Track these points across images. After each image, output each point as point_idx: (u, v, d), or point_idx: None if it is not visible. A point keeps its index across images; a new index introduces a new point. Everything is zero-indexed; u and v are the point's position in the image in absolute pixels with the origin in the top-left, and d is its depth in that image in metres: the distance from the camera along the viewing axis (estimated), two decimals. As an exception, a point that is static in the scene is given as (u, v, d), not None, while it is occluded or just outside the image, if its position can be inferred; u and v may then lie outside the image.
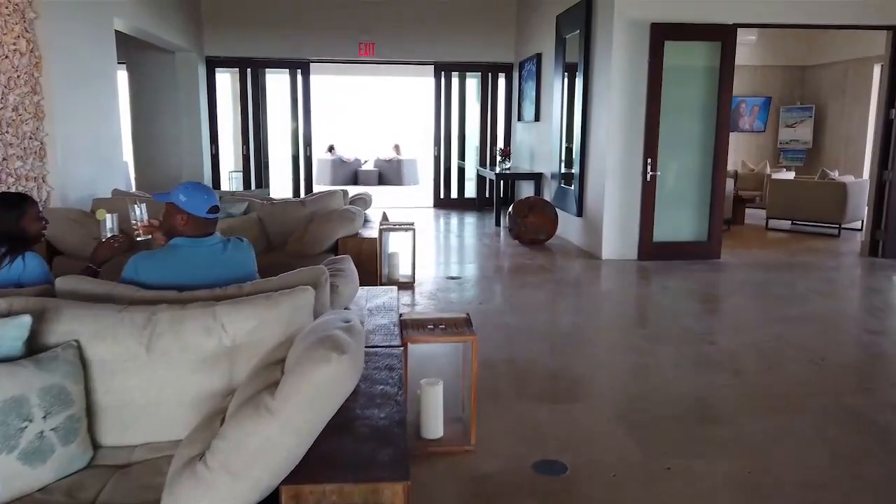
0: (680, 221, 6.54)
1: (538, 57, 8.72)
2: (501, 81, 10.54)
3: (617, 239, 6.43)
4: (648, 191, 6.31)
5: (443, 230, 8.55)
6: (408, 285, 5.29)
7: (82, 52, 5.75)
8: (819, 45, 10.90)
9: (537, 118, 8.86)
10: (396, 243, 6.07)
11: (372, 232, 4.87)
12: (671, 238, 6.48)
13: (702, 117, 6.42)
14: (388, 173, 15.36)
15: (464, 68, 10.45)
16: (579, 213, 7.03)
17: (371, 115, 16.73)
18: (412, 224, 5.48)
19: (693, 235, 6.55)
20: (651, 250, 6.40)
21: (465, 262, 6.39)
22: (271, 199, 5.24)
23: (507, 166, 9.35)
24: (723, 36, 6.21)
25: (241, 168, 10.45)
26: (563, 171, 7.75)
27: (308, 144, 10.33)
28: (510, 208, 7.28)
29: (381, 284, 5.20)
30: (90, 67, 5.90)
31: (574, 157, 7.23)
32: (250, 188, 10.35)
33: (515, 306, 4.73)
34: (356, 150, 15.83)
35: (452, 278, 5.58)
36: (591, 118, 6.77)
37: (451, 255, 6.76)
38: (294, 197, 10.26)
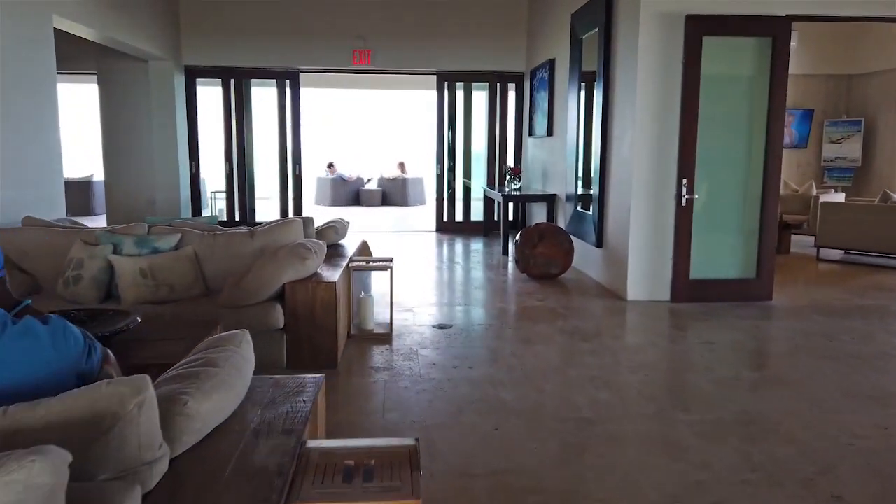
0: (722, 255, 5.40)
1: (551, 63, 7.68)
2: (511, 93, 9.51)
3: (645, 276, 5.31)
4: (684, 217, 5.19)
5: (442, 260, 7.48)
6: (383, 338, 4.21)
7: (11, 56, 4.82)
8: (866, 52, 9.73)
9: (550, 132, 7.80)
10: (379, 281, 5.04)
11: (333, 273, 3.81)
12: (711, 275, 5.35)
13: (747, 130, 5.31)
14: (393, 193, 14.36)
15: (469, 78, 9.45)
16: (599, 243, 5.92)
17: (374, 131, 15.80)
18: (390, 260, 4.42)
19: (738, 271, 5.41)
20: (687, 290, 5.26)
21: (462, 302, 5.30)
22: (217, 228, 4.22)
23: (517, 187, 8.28)
24: (774, 31, 5.11)
25: (224, 188, 9.49)
26: (579, 192, 6.66)
27: (297, 162, 9.36)
28: (517, 237, 6.19)
29: (349, 336, 4.14)
30: (22, 74, 4.98)
31: (592, 176, 6.14)
32: (234, 211, 9.40)
33: (516, 372, 3.63)
34: (358, 168, 14.86)
35: (441, 327, 4.49)
36: (613, 132, 5.69)
37: (446, 293, 5.68)
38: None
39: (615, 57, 5.65)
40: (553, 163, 7.75)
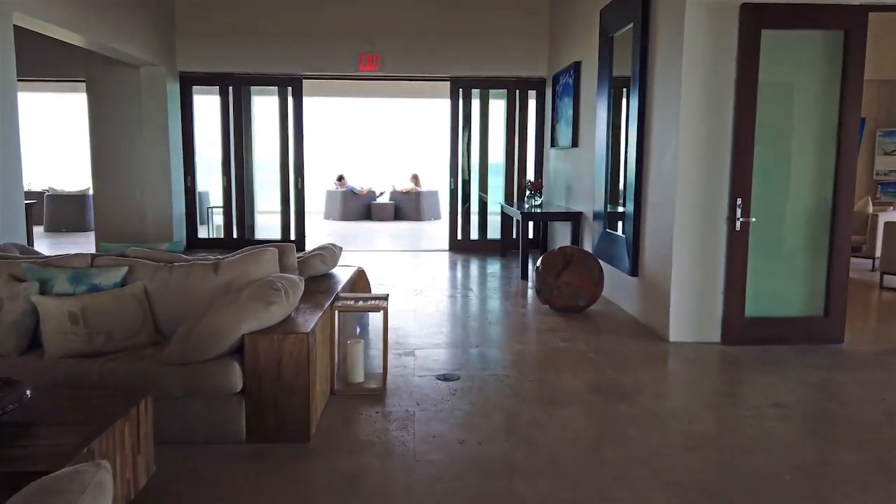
0: (783, 288, 4.56)
1: (576, 66, 6.90)
2: (532, 101, 8.74)
3: (691, 312, 4.48)
4: (738, 244, 4.37)
5: (454, 286, 6.70)
6: (374, 395, 3.44)
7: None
8: (925, 55, 8.81)
9: (575, 143, 7.01)
10: (378, 315, 4.31)
11: (308, 319, 3.05)
12: (771, 312, 4.51)
13: (813, 141, 4.48)
14: (406, 207, 13.64)
15: (486, 84, 8.70)
16: (634, 271, 5.10)
17: (386, 143, 15.13)
18: (384, 298, 3.66)
19: (803, 308, 4.55)
20: (742, 330, 4.42)
21: (473, 343, 4.51)
22: (178, 258, 3.49)
23: (538, 203, 7.49)
24: (847, 22, 4.29)
25: (222, 203, 8.83)
26: (609, 210, 5.86)
27: (300, 175, 8.67)
28: (538, 262, 5.40)
29: (333, 393, 3.38)
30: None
31: (626, 193, 5.33)
32: (232, 227, 8.72)
33: (537, 452, 2.83)
34: (370, 182, 14.18)
35: (446, 379, 3.71)
36: (651, 143, 4.88)
37: (456, 331, 4.89)
38: (281, 241, 8.61)
39: (653, 57, 4.86)
40: (578, 177, 6.96)
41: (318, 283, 3.89)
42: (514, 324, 5.08)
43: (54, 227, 10.87)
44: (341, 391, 3.43)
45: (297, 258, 3.93)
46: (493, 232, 9.14)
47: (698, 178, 4.40)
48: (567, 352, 4.28)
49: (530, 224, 8.38)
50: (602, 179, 5.89)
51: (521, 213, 6.84)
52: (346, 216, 13.36)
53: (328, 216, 13.59)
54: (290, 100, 8.54)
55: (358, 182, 13.89)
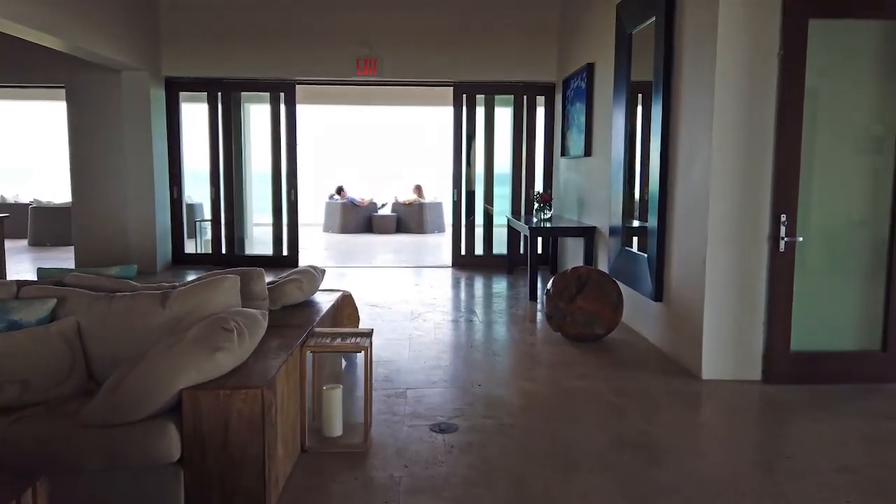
0: (835, 318, 3.96)
1: (589, 69, 6.34)
2: (540, 108, 8.19)
3: (727, 345, 3.88)
4: (782, 267, 3.77)
5: (457, 308, 6.11)
6: (353, 453, 2.85)
7: None
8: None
9: (588, 152, 6.44)
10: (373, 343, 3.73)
11: (267, 367, 2.47)
12: (820, 345, 3.90)
13: (869, 150, 3.89)
14: (409, 219, 13.08)
15: (491, 89, 8.15)
16: (658, 296, 4.50)
17: (388, 153, 14.62)
18: (367, 334, 3.07)
19: (857, 341, 3.95)
20: (787, 366, 3.82)
21: (474, 381, 3.92)
22: (125, 286, 2.93)
23: (547, 216, 6.91)
24: (908, 11, 3.71)
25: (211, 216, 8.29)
26: (627, 225, 5.27)
27: (293, 186, 8.13)
28: (549, 285, 4.81)
29: (304, 451, 2.80)
30: None
31: (647, 207, 4.75)
32: (220, 242, 8.18)
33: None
34: (371, 192, 13.65)
35: (441, 430, 3.12)
36: (679, 150, 4.30)
37: (455, 365, 4.30)
38: (273, 256, 8.06)
39: (680, 53, 4.29)
40: (591, 189, 6.38)
41: (293, 314, 3.32)
42: (522, 355, 4.48)
43: (39, 242, 10.37)
44: (314, 448, 2.84)
45: (270, 284, 3.37)
46: (500, 247, 8.57)
47: (734, 190, 3.81)
48: (584, 393, 3.68)
49: (539, 239, 7.81)
50: (619, 191, 5.31)
51: (529, 227, 6.26)
52: (346, 229, 12.82)
53: (327, 228, 13.05)
54: (283, 106, 8.02)
55: (358, 193, 13.37)
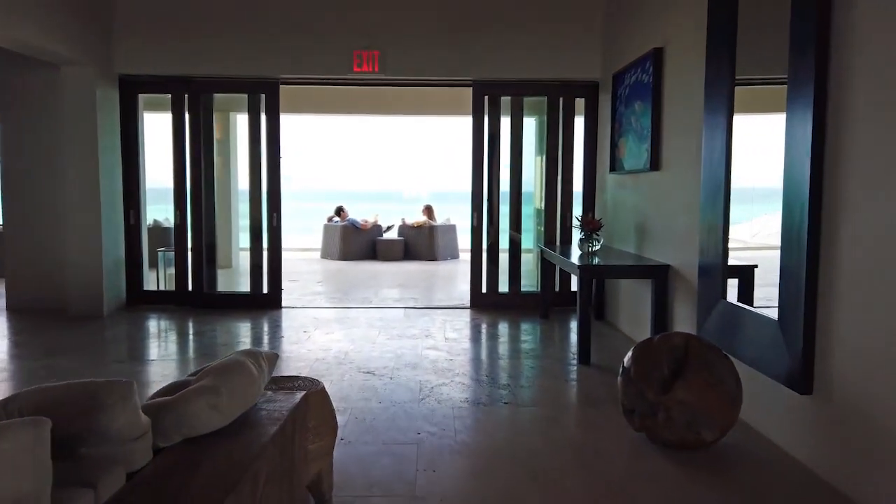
0: None
1: (656, 56, 4.81)
2: (577, 118, 6.67)
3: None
4: None
5: (480, 378, 4.51)
6: None
7: None
8: None
9: (654, 165, 4.87)
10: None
11: None
12: None
13: None
14: (418, 244, 11.55)
15: (518, 90, 6.63)
16: (806, 385, 2.89)
17: (395, 169, 13.12)
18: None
19: None
20: None
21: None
22: None
23: (596, 248, 5.35)
24: None
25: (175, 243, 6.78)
26: (731, 264, 3.68)
27: (275, 208, 6.61)
28: (627, 361, 3.21)
29: None
30: None
31: (784, 243, 3.14)
32: (186, 278, 6.66)
33: None
34: (376, 213, 12.14)
35: None
36: (850, 163, 2.72)
37: (485, 495, 2.71)
38: (251, 294, 6.54)
39: (850, 19, 2.73)
40: (661, 213, 4.81)
41: (194, 463, 1.75)
42: (594, 482, 2.86)
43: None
44: None
45: (154, 405, 1.80)
46: (529, 280, 7.01)
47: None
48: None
49: (593, 283, 6.17)
50: (718, 218, 3.73)
51: (579, 266, 4.66)
52: (347, 255, 11.29)
53: (326, 254, 11.53)
54: (264, 110, 6.53)
55: (360, 214, 11.86)
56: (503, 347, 5.25)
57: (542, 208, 6.81)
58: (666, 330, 4.53)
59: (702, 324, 3.84)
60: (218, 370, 2.01)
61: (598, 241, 5.36)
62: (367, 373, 4.34)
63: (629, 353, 3.24)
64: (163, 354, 5.01)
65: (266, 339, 5.42)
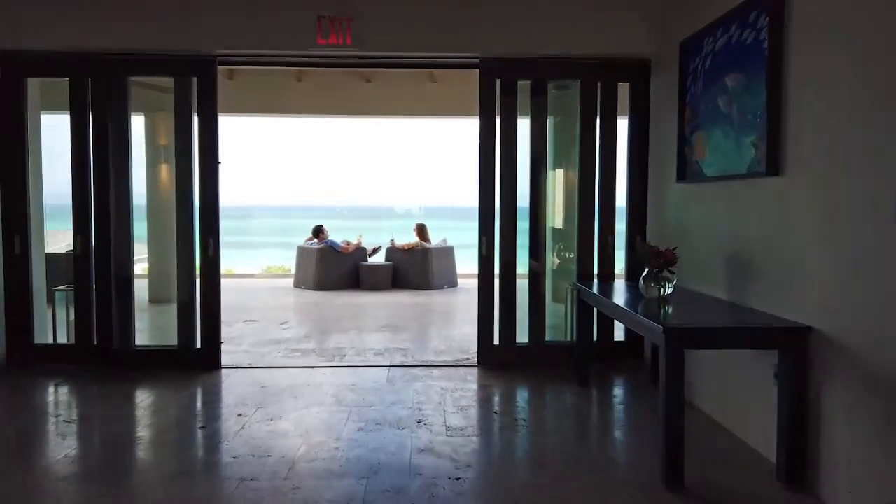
0: None
1: (758, 10, 3.09)
2: (621, 101, 4.96)
3: None
4: None
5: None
6: None
7: None
8: None
9: (772, 168, 3.12)
10: None
11: None
12: None
13: None
14: (408, 269, 9.77)
15: (539, 72, 4.91)
16: None
17: (387, 183, 11.40)
18: None
19: None
20: None
21: None
22: None
23: (669, 291, 3.60)
24: None
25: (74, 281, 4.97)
26: None
27: (212, 232, 4.84)
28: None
29: None
30: None
31: None
32: (90, 326, 4.86)
33: None
34: (359, 235, 10.39)
35: None
36: None
37: None
38: (175, 361, 4.75)
39: None
40: (782, 243, 3.06)
41: None
42: None
43: None
44: None
45: None
46: (554, 329, 5.25)
47: None
48: None
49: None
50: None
51: (669, 330, 2.88)
52: (324, 283, 9.50)
53: (300, 283, 9.74)
54: (195, 94, 4.79)
55: (340, 236, 10.10)
56: (535, 447, 3.45)
57: (575, 229, 5.06)
58: (804, 434, 2.78)
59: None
60: None
61: (671, 283, 3.62)
62: (318, 517, 2.56)
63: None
64: None
65: (175, 432, 3.61)
